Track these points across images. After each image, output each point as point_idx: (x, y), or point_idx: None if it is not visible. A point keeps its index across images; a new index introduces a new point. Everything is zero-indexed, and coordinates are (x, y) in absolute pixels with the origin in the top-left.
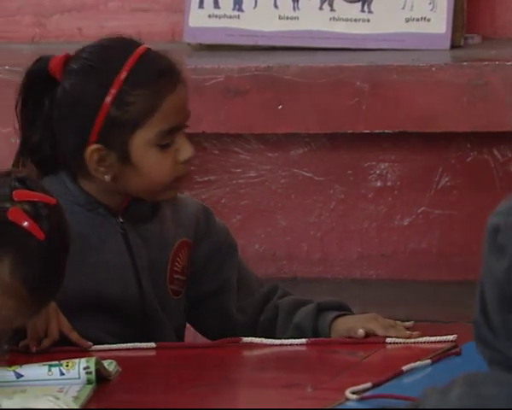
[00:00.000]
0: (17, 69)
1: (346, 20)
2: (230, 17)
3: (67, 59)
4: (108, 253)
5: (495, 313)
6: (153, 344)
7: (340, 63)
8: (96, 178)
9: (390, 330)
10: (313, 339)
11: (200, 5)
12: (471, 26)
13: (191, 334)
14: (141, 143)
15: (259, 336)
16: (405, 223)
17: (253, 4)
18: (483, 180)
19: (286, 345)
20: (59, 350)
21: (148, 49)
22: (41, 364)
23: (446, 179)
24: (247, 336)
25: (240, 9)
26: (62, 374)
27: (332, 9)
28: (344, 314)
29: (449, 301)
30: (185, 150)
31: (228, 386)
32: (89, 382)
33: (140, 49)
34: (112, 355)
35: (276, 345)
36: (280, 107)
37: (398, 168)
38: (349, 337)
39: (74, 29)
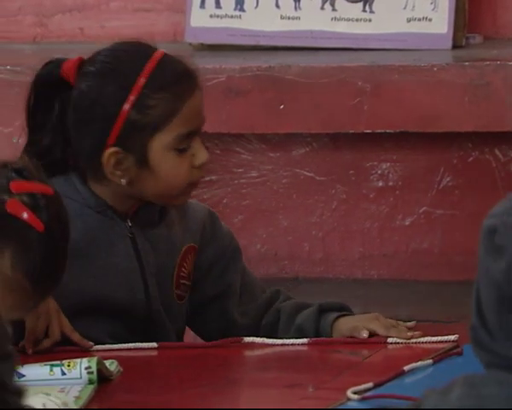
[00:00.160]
0: (18, 69)
1: (348, 19)
2: (232, 17)
3: (82, 62)
4: (116, 256)
5: (492, 314)
6: (154, 344)
7: (341, 63)
8: (108, 182)
9: (391, 330)
10: (315, 339)
11: (202, 5)
12: (472, 26)
13: (191, 336)
14: (159, 146)
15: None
16: (407, 223)
17: (255, 4)
18: (485, 180)
19: (287, 345)
20: (61, 350)
21: (165, 53)
22: (42, 364)
23: (448, 179)
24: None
25: (241, 9)
26: (64, 374)
27: (333, 9)
28: (345, 315)
29: (450, 301)
30: (201, 155)
31: (229, 386)
32: (90, 382)
33: (158, 53)
34: (113, 355)
35: (277, 345)
36: (281, 107)
37: (399, 168)
38: (351, 337)
39: (76, 29)
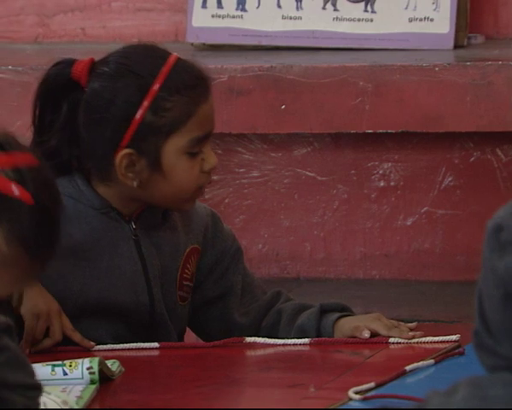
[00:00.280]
0: (20, 69)
1: (350, 19)
2: (233, 17)
3: (93, 63)
4: (120, 258)
5: (497, 315)
6: (156, 344)
7: (343, 63)
8: (115, 183)
9: (393, 330)
10: (316, 339)
11: (204, 5)
12: (474, 26)
13: (193, 337)
14: (173, 149)
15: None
16: (409, 223)
17: (257, 4)
18: (486, 180)
19: (289, 345)
20: (62, 350)
21: (179, 57)
22: (44, 364)
23: (450, 179)
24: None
25: (243, 9)
26: (65, 374)
27: (335, 9)
28: (347, 315)
29: (452, 301)
30: (211, 160)
31: (231, 386)
32: (92, 382)
33: (173, 57)
34: (115, 355)
35: (279, 345)
36: (283, 107)
37: (401, 168)
38: (353, 337)
39: (77, 29)
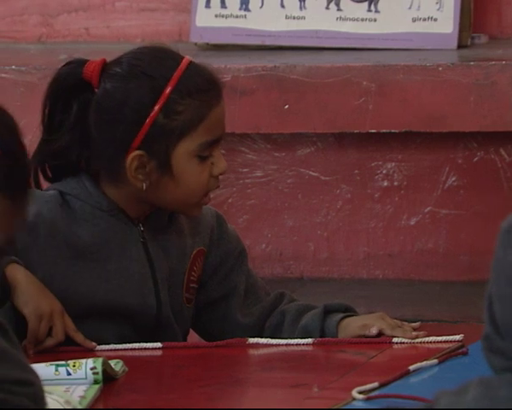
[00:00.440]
0: (24, 69)
1: (353, 19)
2: (237, 17)
3: (105, 64)
4: (128, 261)
5: (510, 315)
6: (159, 344)
7: (346, 63)
8: (124, 185)
9: (397, 330)
10: (320, 339)
11: (207, 5)
12: (478, 26)
13: (197, 337)
14: (183, 152)
15: None
16: (412, 223)
17: (260, 4)
18: (490, 180)
19: (292, 345)
20: (64, 350)
21: (192, 60)
22: (48, 363)
23: (453, 179)
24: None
25: (246, 9)
26: (69, 374)
27: (339, 9)
28: (351, 316)
29: (456, 301)
30: (221, 165)
31: (234, 386)
32: (96, 382)
33: (186, 60)
34: (118, 355)
35: (282, 345)
36: (286, 106)
37: (404, 168)
38: (361, 335)
39: (81, 29)
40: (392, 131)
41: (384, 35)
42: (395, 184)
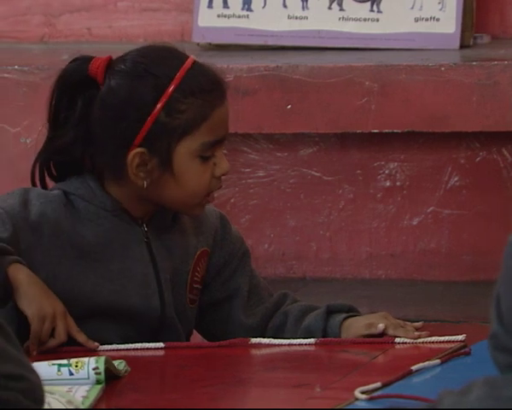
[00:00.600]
0: (26, 69)
1: (356, 19)
2: (239, 17)
3: (111, 61)
4: (132, 261)
5: None
6: (161, 344)
7: (349, 63)
8: (127, 183)
9: (399, 330)
10: (322, 339)
11: (210, 5)
12: (480, 26)
13: (200, 337)
14: (185, 151)
15: None
16: (414, 223)
17: (262, 4)
18: (492, 180)
19: (295, 345)
20: (67, 350)
21: (196, 60)
22: (50, 363)
23: (455, 179)
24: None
25: (249, 9)
26: (71, 374)
27: (341, 9)
28: (354, 316)
29: (458, 301)
30: (223, 165)
31: (237, 386)
32: (98, 382)
33: (190, 59)
34: (121, 355)
35: (284, 345)
36: (289, 106)
37: (407, 168)
38: (366, 335)
39: (83, 29)
40: (395, 131)
41: (386, 35)
42: (397, 184)
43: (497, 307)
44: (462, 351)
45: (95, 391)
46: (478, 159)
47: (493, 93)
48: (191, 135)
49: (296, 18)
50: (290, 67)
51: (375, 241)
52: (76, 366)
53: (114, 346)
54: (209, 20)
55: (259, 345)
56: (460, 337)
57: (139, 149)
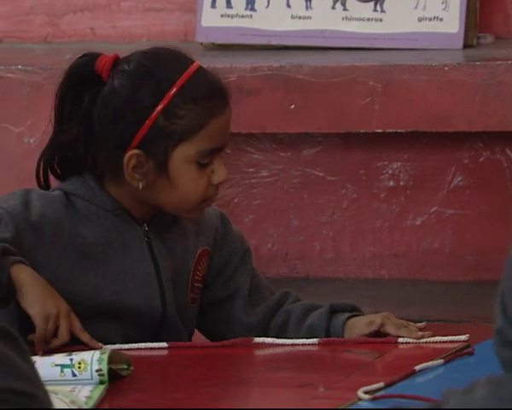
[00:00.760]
0: (30, 69)
1: (359, 19)
2: (243, 17)
3: (117, 59)
4: (133, 261)
5: None
6: (164, 344)
7: (352, 63)
8: (126, 184)
9: (402, 330)
10: (325, 339)
11: (213, 5)
12: (484, 26)
13: (201, 337)
14: (181, 157)
15: None
16: (418, 223)
17: (266, 4)
18: (496, 180)
19: (298, 345)
20: (70, 350)
21: (201, 66)
22: (53, 364)
23: (459, 179)
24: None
25: (252, 9)
26: (74, 375)
27: (345, 9)
28: (357, 315)
29: (461, 301)
30: (221, 173)
31: (239, 385)
32: (101, 382)
33: (194, 65)
34: None
35: (287, 345)
36: (292, 106)
37: (410, 168)
38: (367, 334)
39: (87, 29)
40: (398, 130)
41: (390, 35)
42: (401, 183)
43: (501, 302)
44: (466, 351)
45: (98, 391)
46: (481, 159)
47: (497, 93)
48: (188, 141)
49: (300, 18)
50: (293, 66)
51: (378, 241)
52: (79, 367)
53: (117, 346)
54: (212, 20)
55: (262, 345)
56: (463, 337)
57: (136, 151)
